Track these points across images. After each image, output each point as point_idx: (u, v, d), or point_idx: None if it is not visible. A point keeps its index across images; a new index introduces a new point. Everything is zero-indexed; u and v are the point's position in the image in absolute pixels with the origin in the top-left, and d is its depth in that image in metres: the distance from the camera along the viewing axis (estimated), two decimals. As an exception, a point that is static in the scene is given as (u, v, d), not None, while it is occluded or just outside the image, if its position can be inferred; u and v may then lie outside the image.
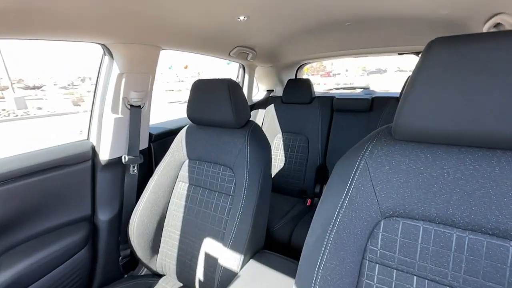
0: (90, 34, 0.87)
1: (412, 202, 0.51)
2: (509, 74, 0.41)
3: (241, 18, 1.03)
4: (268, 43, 1.53)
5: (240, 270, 0.84)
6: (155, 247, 1.08)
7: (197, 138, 1.07)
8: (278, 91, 2.24)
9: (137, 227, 1.03)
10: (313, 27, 1.30)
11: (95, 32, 0.86)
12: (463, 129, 0.46)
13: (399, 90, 1.57)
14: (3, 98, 15.44)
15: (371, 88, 2.38)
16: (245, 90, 1.95)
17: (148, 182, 1.09)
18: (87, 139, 1.11)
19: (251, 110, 2.06)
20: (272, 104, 1.97)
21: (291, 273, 0.82)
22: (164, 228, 1.09)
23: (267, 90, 2.26)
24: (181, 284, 1.05)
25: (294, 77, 2.23)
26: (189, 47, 1.23)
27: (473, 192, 0.47)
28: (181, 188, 1.08)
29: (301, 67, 2.24)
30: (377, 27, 1.27)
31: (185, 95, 1.35)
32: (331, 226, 0.57)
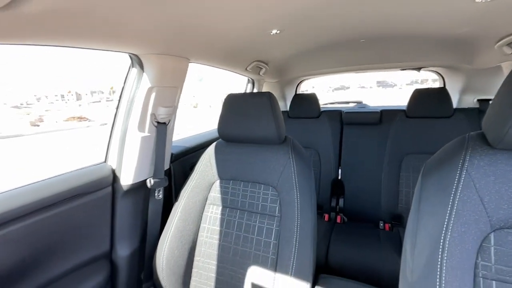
0: (125, 44, 0.77)
1: None
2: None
3: (274, 31, 1.01)
4: (281, 58, 1.53)
5: None
6: (186, 282, 0.94)
7: (230, 156, 0.99)
8: (281, 106, 2.23)
9: (167, 260, 0.90)
10: (326, 43, 1.32)
11: (130, 41, 0.77)
12: None
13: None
14: None
15: (364, 102, 2.49)
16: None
17: (174, 207, 0.96)
18: (105, 161, 0.96)
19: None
20: None
21: None
22: (195, 259, 0.96)
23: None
24: None
25: (294, 92, 2.25)
26: (213, 60, 1.17)
27: None
28: (213, 211, 0.98)
29: (300, 82, 2.27)
30: (388, 44, 1.34)
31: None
32: (441, 244, 0.53)
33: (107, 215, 0.92)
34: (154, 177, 0.99)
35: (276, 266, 0.83)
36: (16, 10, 0.44)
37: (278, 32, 1.01)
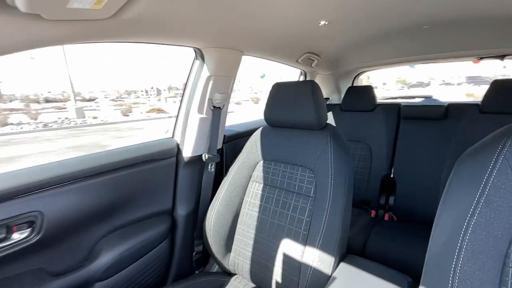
0: (191, 39, 0.95)
1: None
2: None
3: (322, 23, 1.05)
4: (334, 49, 1.53)
5: (332, 273, 0.81)
6: (228, 245, 1.09)
7: (273, 139, 1.09)
8: (334, 99, 2.21)
9: (214, 224, 1.06)
10: (383, 32, 1.27)
11: (195, 37, 0.94)
12: None
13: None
14: (66, 108, 17.52)
15: (434, 98, 2.23)
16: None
17: (223, 181, 1.12)
18: (172, 137, 1.19)
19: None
20: (330, 112, 1.94)
21: (389, 277, 0.78)
22: (237, 227, 1.10)
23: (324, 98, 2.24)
24: (254, 285, 1.04)
25: (351, 85, 2.19)
26: (265, 52, 1.28)
27: None
28: (255, 188, 1.09)
29: (358, 75, 2.19)
30: (457, 29, 1.20)
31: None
32: (465, 225, 0.52)
33: (171, 180, 1.15)
34: (208, 152, 1.17)
35: (306, 240, 0.90)
36: (118, 18, 0.63)
37: (326, 23, 1.05)
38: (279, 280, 0.95)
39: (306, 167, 0.99)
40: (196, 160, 1.17)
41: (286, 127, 1.07)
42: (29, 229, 0.75)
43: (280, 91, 1.06)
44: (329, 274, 0.80)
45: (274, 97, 1.06)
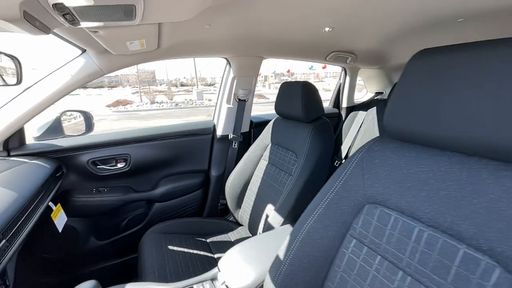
0: (221, 52, 1.37)
1: (389, 193, 0.59)
2: (477, 83, 0.45)
3: (326, 29, 1.22)
4: (368, 46, 1.56)
5: (276, 227, 1.09)
6: (239, 203, 1.49)
7: (279, 127, 1.37)
8: (388, 94, 2.12)
9: (231, 186, 1.48)
10: (422, 24, 1.23)
11: (223, 50, 1.35)
12: (437, 133, 0.51)
13: None
14: (191, 92, 21.81)
15: None
16: (345, 92, 2.02)
17: (243, 157, 1.51)
18: (212, 119, 1.67)
19: (352, 111, 2.09)
20: (375, 107, 1.93)
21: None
22: (247, 191, 1.48)
23: (376, 92, 2.18)
24: (250, 234, 1.41)
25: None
26: (287, 55, 1.54)
27: (438, 192, 0.51)
28: (263, 164, 1.43)
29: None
30: (502, 19, 1.05)
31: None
32: (324, 199, 0.72)
33: (208, 150, 1.64)
34: (233, 133, 1.59)
35: (276, 205, 1.20)
36: (160, 48, 1.11)
37: (330, 29, 1.22)
38: (259, 228, 1.29)
39: (294, 152, 1.25)
40: (225, 138, 1.61)
41: (287, 118, 1.34)
42: (124, 162, 1.41)
43: (285, 89, 1.33)
44: (275, 227, 1.09)
45: (281, 94, 1.34)
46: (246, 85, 1.52)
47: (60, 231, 1.11)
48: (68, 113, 1.49)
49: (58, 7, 0.46)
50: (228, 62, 1.47)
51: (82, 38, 0.88)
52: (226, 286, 0.79)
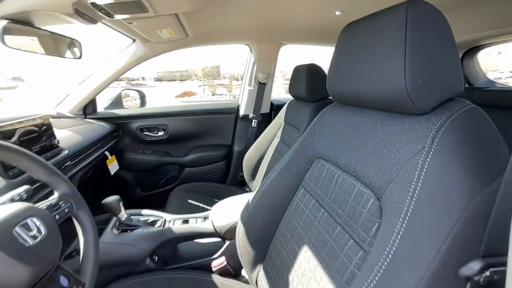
0: (242, 39, 1.56)
1: (326, 149, 0.70)
2: (370, 50, 0.53)
3: (337, 13, 1.28)
4: None
5: None
6: (253, 175, 1.68)
7: (291, 107, 1.50)
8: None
9: (247, 160, 1.68)
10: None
11: (244, 37, 1.54)
12: (353, 92, 0.60)
13: None
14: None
15: None
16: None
17: (261, 135, 1.69)
18: (238, 100, 1.89)
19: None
20: None
21: None
22: (260, 165, 1.66)
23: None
24: None
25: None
26: (304, 40, 1.63)
27: (350, 142, 0.61)
28: (275, 142, 1.58)
29: (470, 51, 1.78)
30: None
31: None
32: (287, 156, 0.85)
33: (232, 127, 1.87)
34: (253, 113, 1.77)
35: None
36: (188, 37, 1.37)
37: (340, 13, 1.28)
38: None
39: (297, 128, 1.37)
40: (246, 117, 1.81)
41: (297, 99, 1.46)
42: (163, 131, 1.76)
43: (295, 72, 1.45)
44: None
45: (293, 76, 1.47)
46: (265, 69, 1.68)
47: (112, 174, 1.51)
48: (130, 95, 1.93)
49: (95, 4, 0.73)
50: (250, 48, 1.65)
51: (128, 29, 1.19)
52: (212, 222, 1.00)
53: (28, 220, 0.48)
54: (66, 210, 0.60)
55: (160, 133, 1.76)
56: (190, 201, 1.50)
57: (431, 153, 0.41)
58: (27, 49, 0.74)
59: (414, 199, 0.40)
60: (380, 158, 0.51)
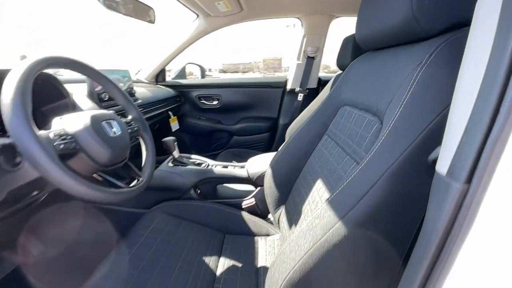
0: (294, 12, 1.63)
1: (348, 94, 0.75)
2: None
3: None
4: None
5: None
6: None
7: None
8: None
9: (289, 131, 1.75)
10: None
11: (296, 10, 1.60)
12: (371, 33, 0.64)
13: None
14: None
15: None
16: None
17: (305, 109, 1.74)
18: (287, 76, 1.97)
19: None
20: None
21: None
22: None
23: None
24: None
25: None
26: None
27: (370, 80, 0.64)
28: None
29: None
30: None
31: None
32: (317, 109, 0.91)
33: (279, 100, 1.96)
34: (300, 87, 1.83)
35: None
36: (243, 11, 1.51)
37: None
38: None
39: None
40: (292, 91, 1.88)
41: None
42: (217, 101, 1.97)
43: (343, 43, 1.45)
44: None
45: (341, 48, 1.47)
46: (314, 43, 1.71)
47: (172, 131, 1.79)
48: (194, 73, 2.21)
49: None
50: (300, 22, 1.70)
51: (192, 2, 1.39)
52: (247, 170, 1.14)
53: (111, 121, 0.68)
54: (135, 129, 0.80)
55: (215, 102, 1.98)
56: (233, 162, 1.68)
57: (425, 66, 0.44)
58: (113, 10, 0.99)
59: (401, 107, 0.44)
60: (388, 85, 0.54)
